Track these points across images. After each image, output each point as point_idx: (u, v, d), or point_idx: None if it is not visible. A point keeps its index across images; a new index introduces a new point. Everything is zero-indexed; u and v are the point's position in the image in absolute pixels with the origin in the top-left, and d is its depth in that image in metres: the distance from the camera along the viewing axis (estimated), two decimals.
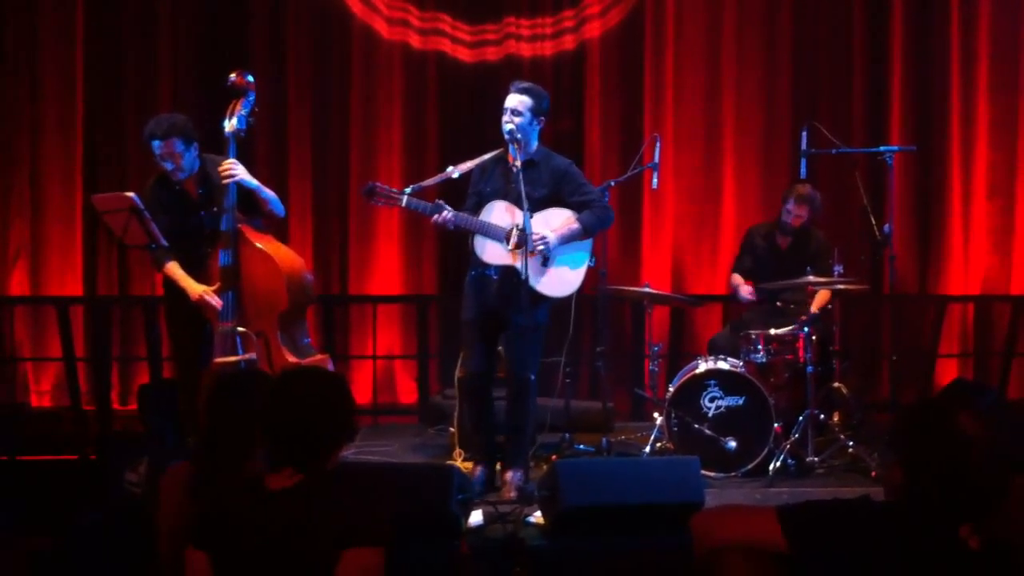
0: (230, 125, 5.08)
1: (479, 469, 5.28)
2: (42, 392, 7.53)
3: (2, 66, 7.51)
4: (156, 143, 5.06)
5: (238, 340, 5.06)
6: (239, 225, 5.08)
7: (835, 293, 5.88)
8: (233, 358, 5.03)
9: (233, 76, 5.15)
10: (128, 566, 3.81)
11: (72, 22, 7.50)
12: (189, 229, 5.19)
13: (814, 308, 5.86)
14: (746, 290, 6.23)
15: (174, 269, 5.17)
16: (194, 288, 5.11)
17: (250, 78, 5.14)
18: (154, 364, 7.25)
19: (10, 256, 7.53)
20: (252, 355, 5.06)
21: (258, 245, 5.12)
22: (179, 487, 3.04)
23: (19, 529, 4.47)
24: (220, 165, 5.07)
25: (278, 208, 5.26)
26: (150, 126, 5.10)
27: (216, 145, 5.26)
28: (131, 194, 5.14)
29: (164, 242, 5.15)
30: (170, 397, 5.51)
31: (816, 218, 6.27)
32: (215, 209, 5.14)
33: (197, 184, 5.21)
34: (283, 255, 5.20)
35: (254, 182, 5.13)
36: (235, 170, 5.03)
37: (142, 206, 5.09)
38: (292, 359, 5.08)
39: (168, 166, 5.10)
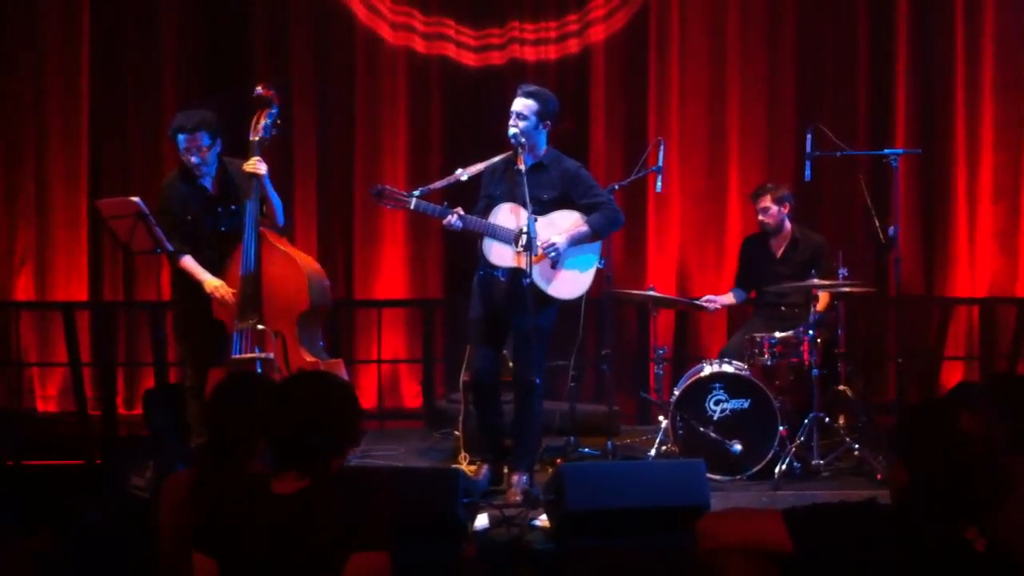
0: (255, 133, 5.21)
1: (484, 468, 5.28)
2: (48, 397, 7.54)
3: (7, 69, 7.53)
4: (183, 136, 5.17)
5: (251, 337, 5.11)
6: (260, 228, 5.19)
7: (840, 295, 5.87)
8: (250, 355, 5.09)
9: (260, 88, 5.29)
10: (131, 567, 3.82)
11: (78, 26, 7.52)
12: (207, 226, 5.29)
13: (815, 311, 5.87)
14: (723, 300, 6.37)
15: (189, 263, 5.26)
16: (210, 280, 5.18)
17: (274, 91, 5.29)
18: (160, 369, 7.26)
19: (16, 261, 7.54)
20: (270, 354, 5.12)
21: (280, 247, 5.23)
22: (180, 493, 3.04)
23: (24, 530, 4.47)
24: (246, 163, 5.17)
25: (280, 216, 5.35)
26: (178, 119, 5.22)
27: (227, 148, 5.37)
28: (137, 199, 5.18)
29: (170, 247, 5.22)
30: (176, 402, 5.53)
31: (790, 205, 6.28)
32: (233, 208, 5.26)
33: (217, 182, 5.33)
34: (304, 258, 5.33)
35: (270, 185, 5.25)
36: (260, 167, 5.16)
37: (148, 211, 5.13)
38: (310, 358, 5.15)
39: (194, 159, 5.21)
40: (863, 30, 7.67)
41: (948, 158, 7.58)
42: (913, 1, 7.59)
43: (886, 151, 6.19)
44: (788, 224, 6.32)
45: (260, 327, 5.13)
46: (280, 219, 5.35)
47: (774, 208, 6.25)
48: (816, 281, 5.69)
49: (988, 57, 7.53)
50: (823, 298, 5.97)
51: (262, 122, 5.23)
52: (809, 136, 5.95)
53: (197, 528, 2.67)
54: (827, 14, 7.71)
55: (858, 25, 7.68)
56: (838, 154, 6.10)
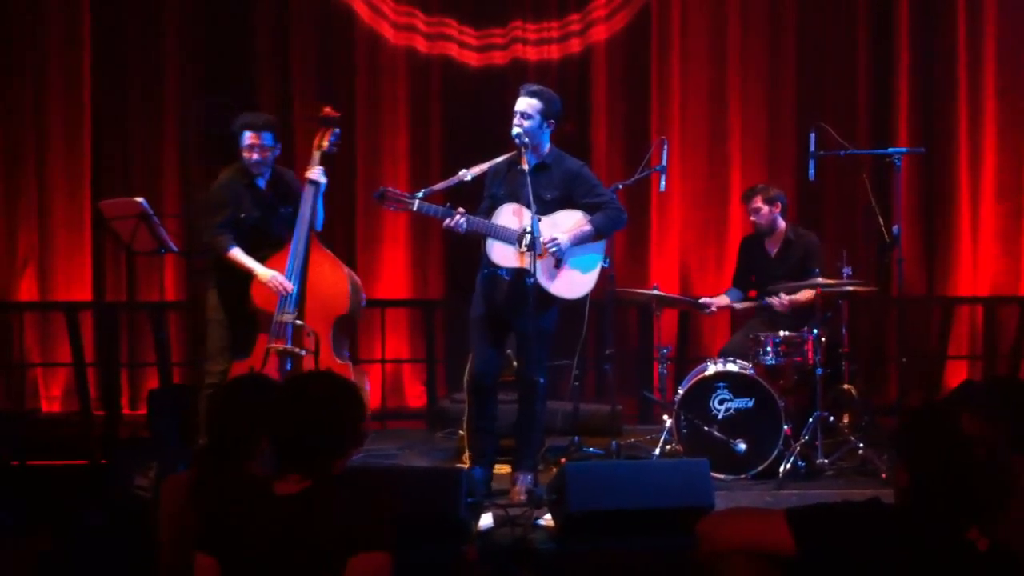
0: (320, 147, 5.44)
1: (476, 469, 5.25)
2: (52, 398, 7.55)
3: (9, 70, 7.54)
4: (248, 133, 5.34)
5: (290, 331, 5.23)
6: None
7: (843, 295, 5.87)
8: (285, 345, 5.22)
9: (328, 109, 5.57)
10: (131, 568, 3.82)
11: (79, 27, 7.52)
12: (254, 225, 5.42)
13: (800, 298, 5.91)
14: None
15: (238, 254, 5.35)
16: (264, 271, 5.29)
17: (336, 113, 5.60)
18: (163, 369, 7.27)
19: (19, 262, 7.55)
20: (303, 350, 5.25)
21: (326, 251, 5.44)
22: (180, 493, 3.05)
23: (27, 530, 4.48)
24: (308, 171, 5.37)
25: (319, 223, 5.49)
26: (245, 116, 5.41)
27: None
28: (140, 199, 5.20)
29: (173, 247, 5.25)
30: (180, 402, 5.54)
31: (781, 205, 6.28)
32: (282, 211, 5.44)
33: (269, 185, 5.48)
34: (346, 266, 5.53)
35: (321, 196, 5.46)
36: (323, 176, 5.39)
37: (151, 211, 5.14)
38: (339, 363, 5.28)
39: (255, 157, 5.36)
40: (864, 30, 7.67)
41: (951, 159, 7.57)
42: (914, 1, 7.59)
43: (890, 150, 6.18)
44: (781, 223, 6.32)
45: (298, 322, 5.27)
46: (319, 225, 5.49)
47: (765, 208, 6.25)
48: (820, 280, 5.68)
49: (990, 58, 7.52)
50: (806, 292, 5.96)
51: (327, 139, 5.46)
52: (813, 136, 5.95)
53: (198, 528, 2.68)
54: (828, 14, 7.71)
55: (859, 25, 7.67)
56: (842, 153, 6.10)
